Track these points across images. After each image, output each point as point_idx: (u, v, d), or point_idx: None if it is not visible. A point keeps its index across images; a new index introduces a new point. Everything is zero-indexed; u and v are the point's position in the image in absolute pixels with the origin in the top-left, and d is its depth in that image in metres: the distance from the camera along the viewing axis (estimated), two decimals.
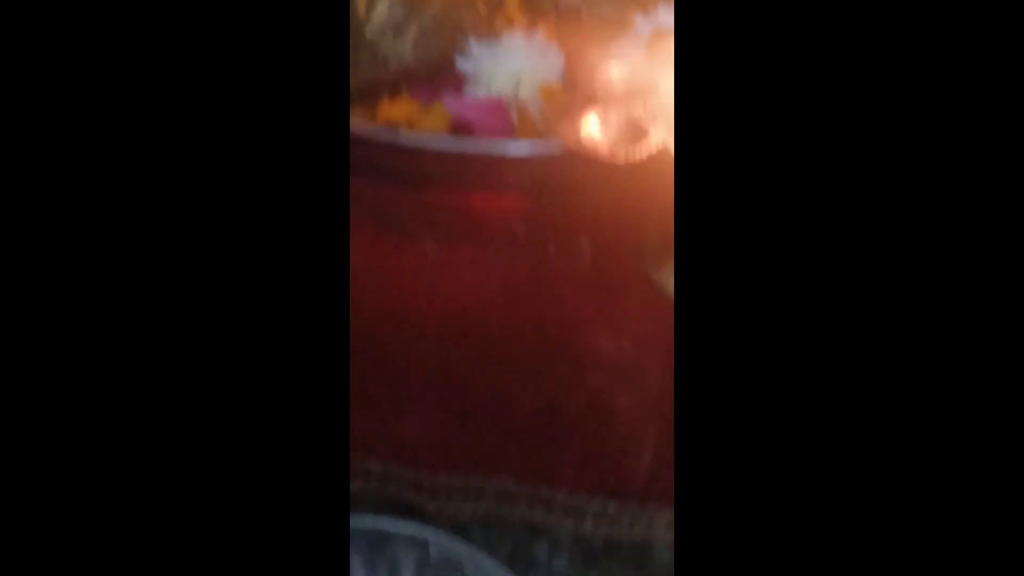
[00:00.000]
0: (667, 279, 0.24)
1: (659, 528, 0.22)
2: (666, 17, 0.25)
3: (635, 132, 0.22)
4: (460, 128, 0.28)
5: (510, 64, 0.29)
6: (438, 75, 0.29)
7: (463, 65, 0.29)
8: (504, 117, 0.29)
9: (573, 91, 0.27)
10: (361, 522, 0.26)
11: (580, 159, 0.23)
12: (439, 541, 0.24)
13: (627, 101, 0.22)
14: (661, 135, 0.22)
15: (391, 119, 0.26)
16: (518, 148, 0.25)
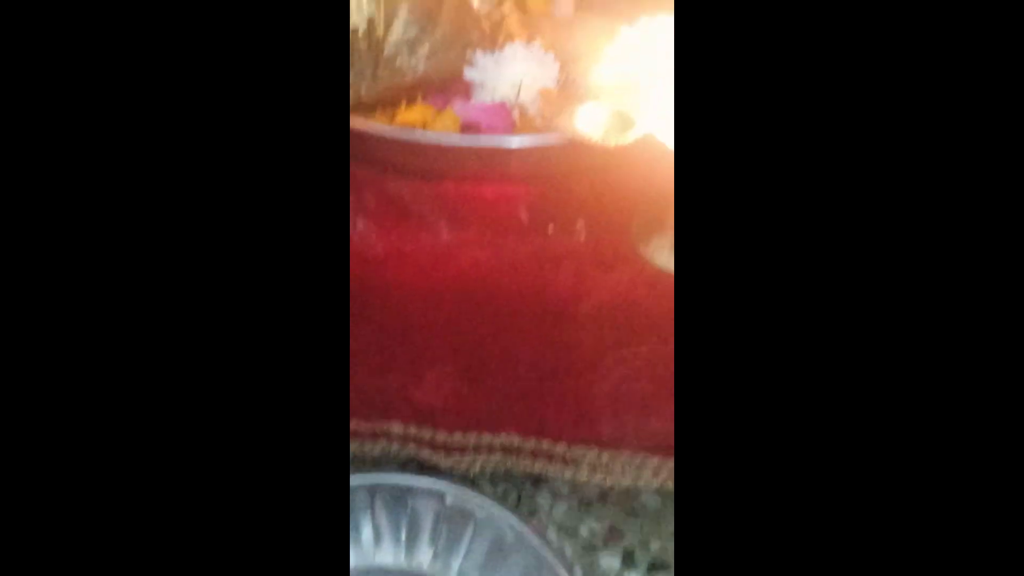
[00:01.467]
0: (654, 252, 0.27)
1: (646, 475, 0.25)
2: (648, 26, 0.29)
3: (623, 122, 0.25)
4: (469, 128, 0.32)
5: (511, 71, 0.32)
6: (449, 84, 0.32)
7: (470, 74, 0.32)
8: (507, 117, 0.32)
9: (567, 91, 0.30)
10: (385, 478, 0.29)
11: (574, 148, 0.26)
12: (453, 492, 0.26)
13: (614, 95, 0.25)
14: (646, 124, 0.25)
15: (409, 122, 0.30)
16: (520, 141, 0.28)
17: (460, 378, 0.27)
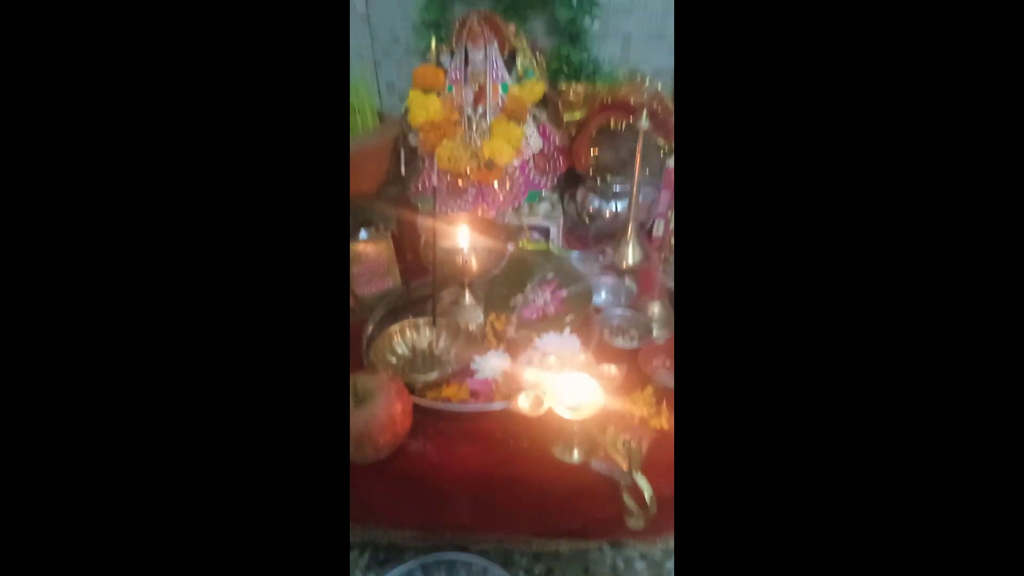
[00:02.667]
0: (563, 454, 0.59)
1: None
2: (559, 340, 0.65)
3: (539, 401, 0.58)
4: (473, 394, 0.66)
5: (492, 365, 0.68)
6: (464, 371, 0.67)
7: (474, 366, 0.68)
8: (489, 387, 0.67)
9: (514, 376, 0.65)
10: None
11: (512, 414, 0.59)
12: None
13: (535, 388, 0.60)
14: (549, 402, 0.59)
15: (447, 396, 0.64)
16: (497, 406, 0.62)
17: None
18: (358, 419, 0.52)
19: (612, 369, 0.57)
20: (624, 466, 0.52)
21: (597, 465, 0.55)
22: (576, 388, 0.54)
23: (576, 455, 0.57)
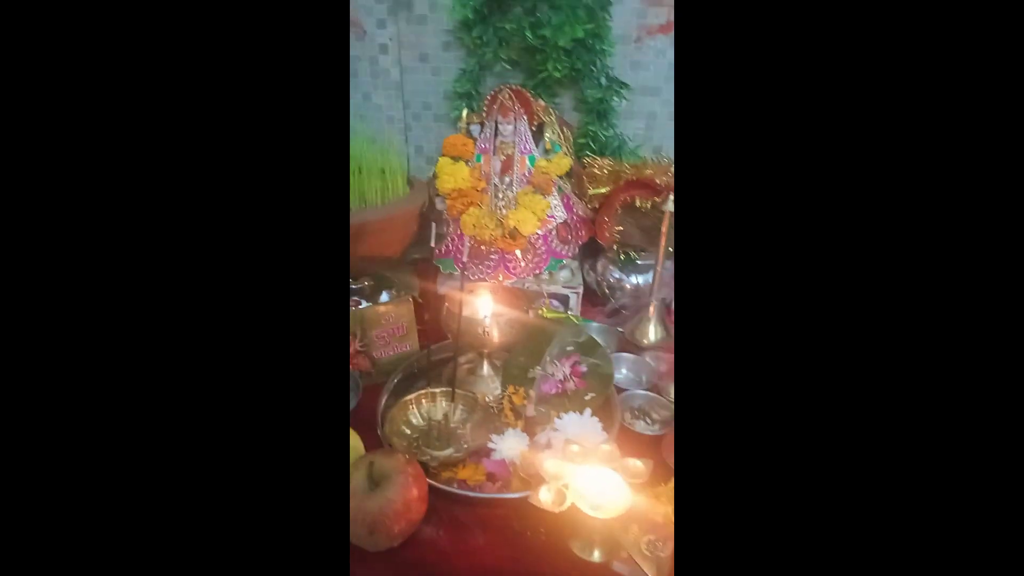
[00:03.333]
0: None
1: None
2: (578, 421, 0.63)
3: (562, 497, 0.56)
4: (489, 476, 0.64)
5: (510, 445, 0.66)
6: (481, 451, 0.65)
7: (491, 445, 0.66)
8: (506, 470, 0.65)
9: (536, 459, 0.63)
10: None
11: (531, 506, 0.57)
12: None
13: (557, 480, 0.58)
14: (572, 498, 0.57)
15: (462, 477, 0.62)
16: (515, 494, 0.60)
17: None
18: (373, 505, 0.50)
19: (638, 464, 0.55)
20: (649, 572, 0.49)
21: (619, 567, 0.53)
22: (600, 485, 0.52)
23: (597, 555, 0.55)
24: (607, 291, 0.93)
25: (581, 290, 0.93)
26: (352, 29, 0.94)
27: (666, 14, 0.90)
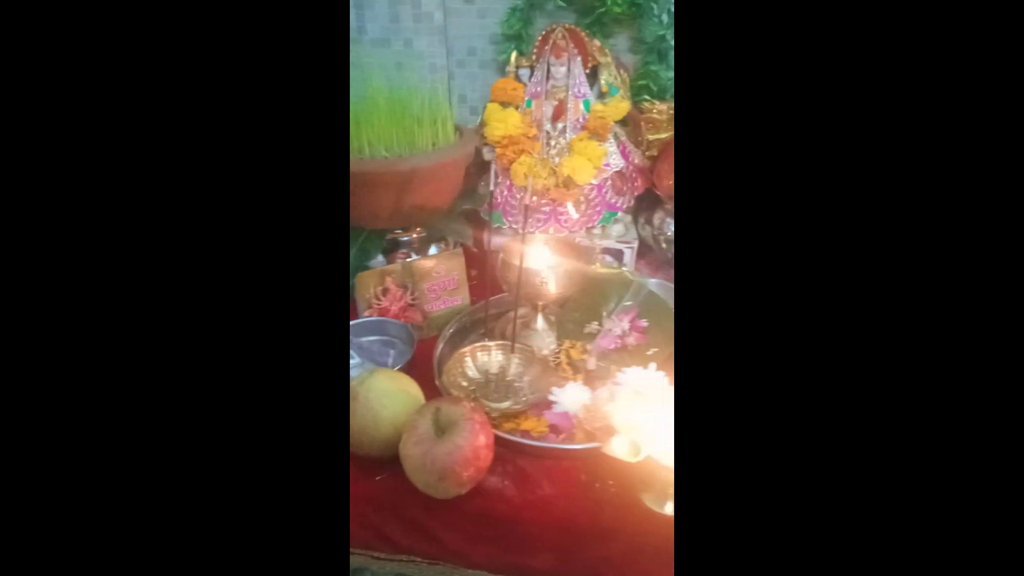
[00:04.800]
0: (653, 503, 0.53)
1: None
2: (647, 376, 0.60)
3: (636, 448, 0.53)
4: (552, 428, 0.61)
5: (572, 397, 0.63)
6: (542, 404, 0.63)
7: (552, 398, 0.63)
8: (570, 422, 0.62)
9: (600, 411, 0.61)
10: None
11: (605, 458, 0.54)
12: None
13: (631, 431, 0.55)
14: (649, 449, 0.54)
15: (527, 428, 0.60)
16: (578, 444, 0.57)
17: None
18: (441, 451, 0.49)
19: None
20: None
21: None
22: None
23: (669, 507, 0.52)
24: (664, 246, 0.89)
25: (636, 245, 0.88)
26: None
27: None
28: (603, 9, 0.82)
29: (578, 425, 0.61)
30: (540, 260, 0.71)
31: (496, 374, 0.67)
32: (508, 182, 0.86)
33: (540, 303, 0.74)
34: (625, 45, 0.91)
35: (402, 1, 0.92)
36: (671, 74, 0.87)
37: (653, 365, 0.63)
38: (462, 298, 0.78)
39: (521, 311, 0.77)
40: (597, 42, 0.84)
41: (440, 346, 0.72)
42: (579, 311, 0.76)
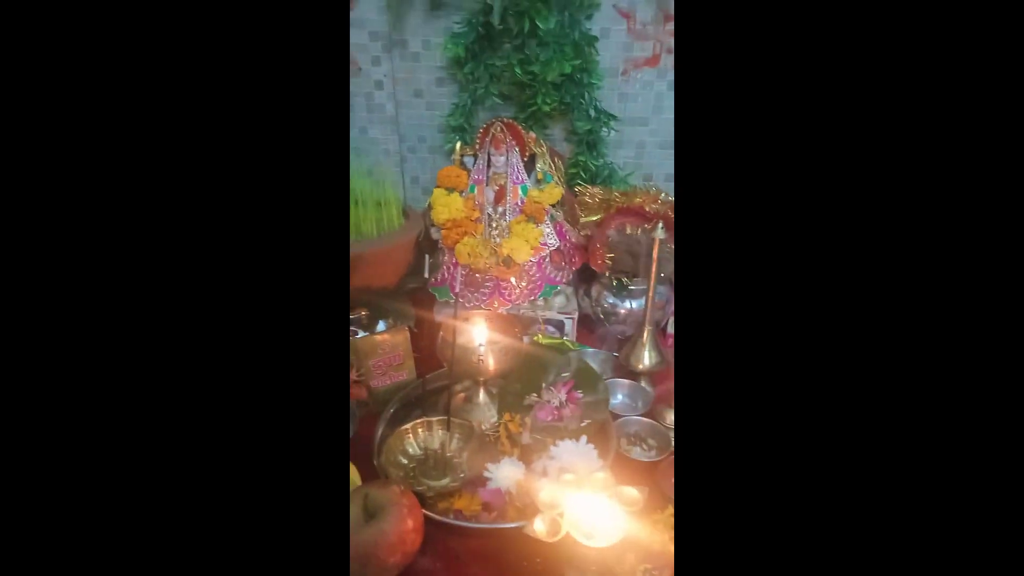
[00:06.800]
0: None
1: None
2: (572, 447, 0.63)
3: (556, 526, 0.56)
4: (485, 506, 0.63)
5: (506, 474, 0.66)
6: (477, 480, 0.65)
7: (487, 474, 0.66)
8: (502, 499, 0.64)
9: (532, 488, 0.63)
10: None
11: (526, 537, 0.57)
12: None
13: (552, 511, 0.58)
14: (567, 527, 0.56)
15: (458, 507, 0.62)
16: (510, 525, 0.59)
17: None
18: (367, 537, 0.50)
19: (634, 492, 0.55)
20: None
21: None
22: (595, 513, 0.52)
23: None
24: (602, 316, 0.94)
25: (576, 315, 0.93)
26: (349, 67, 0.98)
27: (652, 47, 0.93)
28: (535, 108, 0.92)
29: (510, 502, 0.63)
30: (477, 336, 0.75)
31: (436, 450, 0.69)
32: (453, 260, 0.91)
33: (481, 378, 0.77)
34: (559, 135, 1.00)
35: (355, 95, 1.00)
36: (600, 162, 0.96)
37: (584, 438, 0.67)
38: (407, 373, 0.81)
39: (463, 385, 0.80)
40: (533, 134, 0.93)
41: (381, 426, 0.74)
42: (520, 383, 0.79)
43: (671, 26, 0.90)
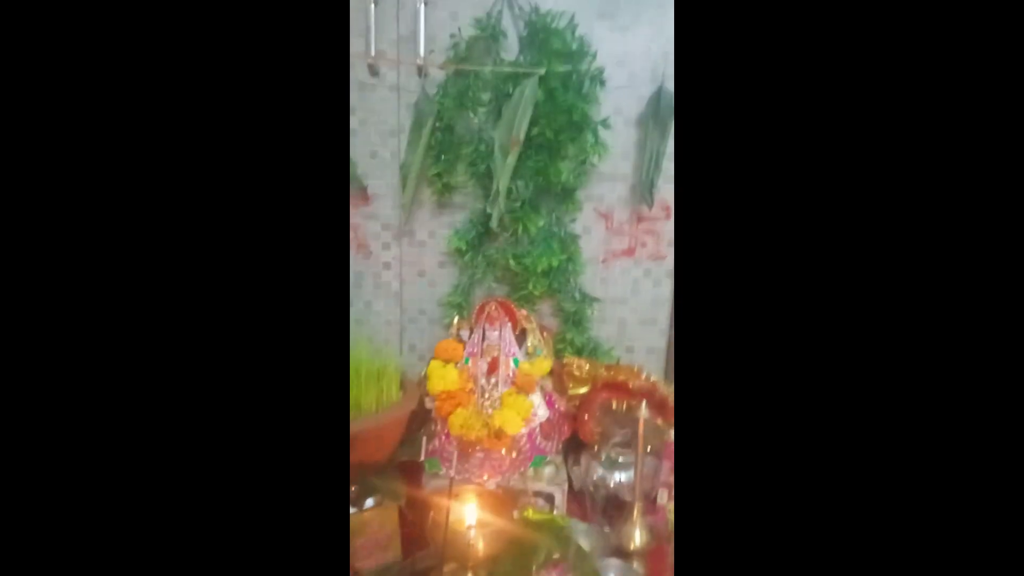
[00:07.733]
0: None
1: None
2: None
3: None
4: None
5: None
6: None
7: None
8: None
9: None
10: None
11: None
12: None
13: None
14: None
15: None
16: None
17: None
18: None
19: None
20: None
21: None
22: None
23: None
24: (592, 488, 0.94)
25: (566, 487, 0.94)
26: (360, 250, 1.11)
27: (627, 241, 1.08)
28: (526, 292, 1.03)
29: None
30: (468, 517, 0.75)
31: None
32: (445, 431, 0.94)
33: (470, 564, 0.76)
34: (548, 312, 1.11)
35: (363, 274, 1.12)
36: (585, 337, 1.05)
37: None
38: (393, 554, 0.79)
39: (450, 568, 0.77)
40: (524, 311, 1.03)
41: None
42: (510, 568, 0.77)
43: (644, 225, 1.05)
